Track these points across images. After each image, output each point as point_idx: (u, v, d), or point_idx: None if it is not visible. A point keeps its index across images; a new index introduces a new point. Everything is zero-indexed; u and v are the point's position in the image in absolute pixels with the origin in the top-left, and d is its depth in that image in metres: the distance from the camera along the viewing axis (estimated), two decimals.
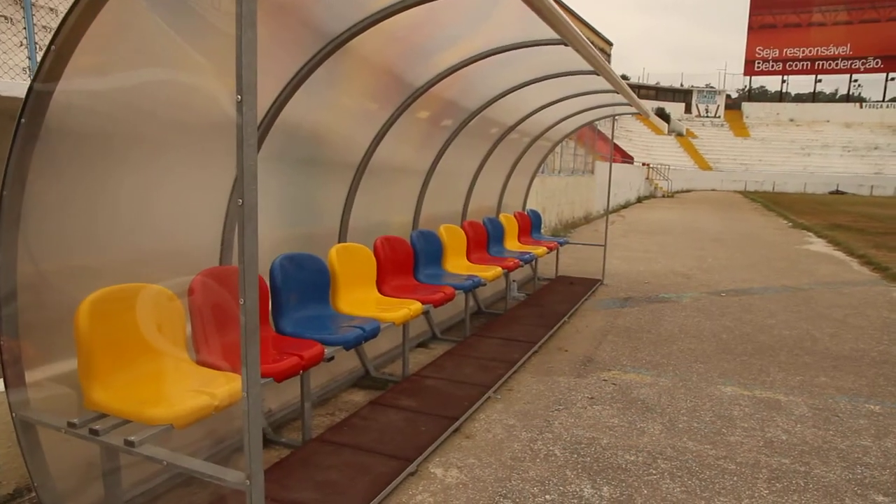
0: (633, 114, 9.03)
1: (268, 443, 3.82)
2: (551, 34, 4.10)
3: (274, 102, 3.71)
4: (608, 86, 6.06)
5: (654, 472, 3.59)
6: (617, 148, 41.11)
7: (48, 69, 2.28)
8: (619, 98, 7.22)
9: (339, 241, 4.95)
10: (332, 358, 3.58)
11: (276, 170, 4.24)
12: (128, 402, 2.63)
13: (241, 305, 2.04)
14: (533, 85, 6.12)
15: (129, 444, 2.41)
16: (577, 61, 4.90)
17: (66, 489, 2.81)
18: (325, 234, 4.89)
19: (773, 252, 13.57)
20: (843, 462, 3.77)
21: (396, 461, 3.48)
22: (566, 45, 4.16)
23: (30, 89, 2.32)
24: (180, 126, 3.25)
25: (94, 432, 2.49)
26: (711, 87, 69.90)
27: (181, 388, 2.80)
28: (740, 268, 11.21)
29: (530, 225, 9.36)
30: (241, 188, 1.96)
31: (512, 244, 8.31)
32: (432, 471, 3.52)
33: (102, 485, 2.63)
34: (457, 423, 4.06)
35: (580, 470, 3.58)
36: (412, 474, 3.44)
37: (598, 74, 5.29)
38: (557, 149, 19.02)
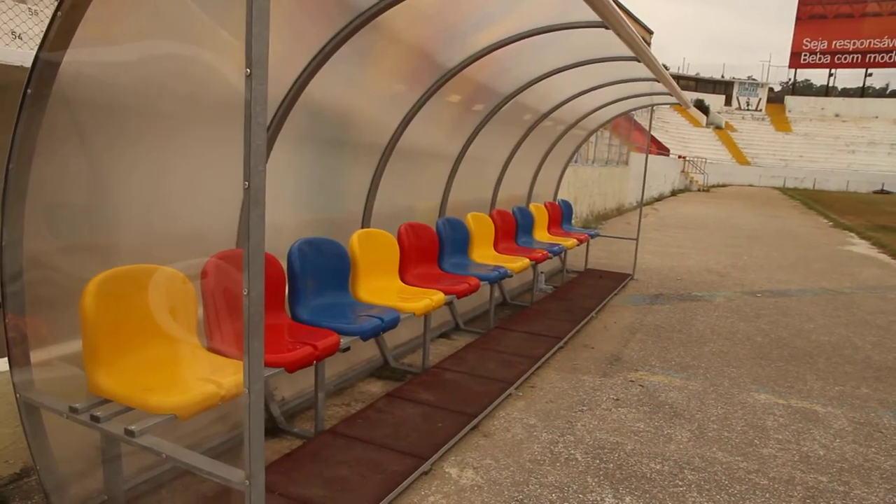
0: (671, 104, 8.69)
1: (279, 432, 3.73)
2: (591, 15, 3.86)
3: (297, 78, 3.55)
4: (648, 74, 5.78)
5: (680, 483, 3.40)
6: (653, 139, 40.31)
7: (55, 37, 2.16)
8: (658, 87, 6.92)
9: (362, 227, 4.81)
10: (347, 348, 3.45)
11: (299, 151, 4.12)
12: (132, 389, 2.53)
13: (245, 296, 1.90)
14: (569, 71, 5.88)
15: (130, 433, 2.31)
16: (616, 46, 4.64)
17: (70, 473, 2.74)
18: (349, 219, 4.75)
19: (812, 252, 13.09)
20: (886, 484, 3.53)
21: (410, 459, 3.35)
22: (606, 27, 3.92)
23: (36, 58, 2.20)
24: (198, 101, 3.12)
25: (94, 419, 2.40)
26: (754, 80, 67.96)
27: (188, 376, 2.70)
28: (777, 267, 10.82)
29: (561, 215, 9.12)
30: (247, 170, 1.82)
31: (541, 235, 8.10)
32: (447, 470, 3.38)
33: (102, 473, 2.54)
34: (475, 421, 3.91)
35: (602, 477, 3.40)
36: (426, 473, 3.31)
37: (638, 61, 5.03)
38: (591, 138, 18.64)
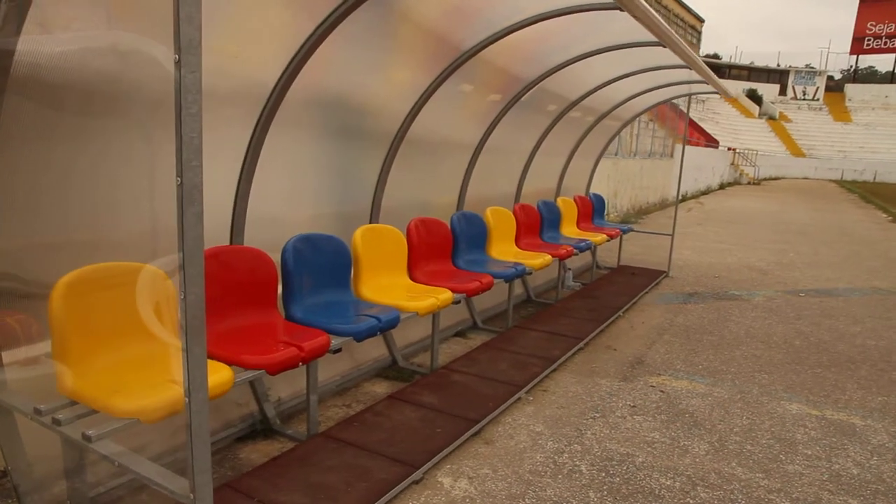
0: (710, 93, 8.26)
1: (273, 433, 3.63)
2: None
3: (291, 62, 3.38)
4: (678, 60, 5.45)
5: (691, 501, 3.14)
6: (701, 130, 39.02)
7: (2, 24, 2.07)
8: (695, 75, 6.55)
9: (370, 222, 4.67)
10: (338, 350, 3.31)
11: (300, 140, 3.97)
12: (98, 391, 2.44)
13: (182, 300, 1.78)
14: (595, 57, 5.59)
15: (87, 438, 2.22)
16: (641, 30, 4.35)
17: (44, 475, 2.67)
18: (360, 214, 4.61)
19: (866, 249, 12.36)
20: None
21: (401, 466, 3.19)
22: (620, 9, 3.66)
23: None
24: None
25: (56, 421, 2.32)
26: (812, 68, 64.99)
27: (159, 379, 2.59)
28: (826, 265, 10.23)
29: (592, 210, 8.80)
30: (179, 165, 1.68)
31: (569, 230, 7.82)
32: (440, 480, 3.21)
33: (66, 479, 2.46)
34: (476, 427, 3.72)
35: (605, 492, 3.17)
36: (416, 482, 3.15)
37: (663, 46, 4.72)
38: (635, 130, 18.10)
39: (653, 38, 4.51)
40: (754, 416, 4.21)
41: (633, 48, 5.23)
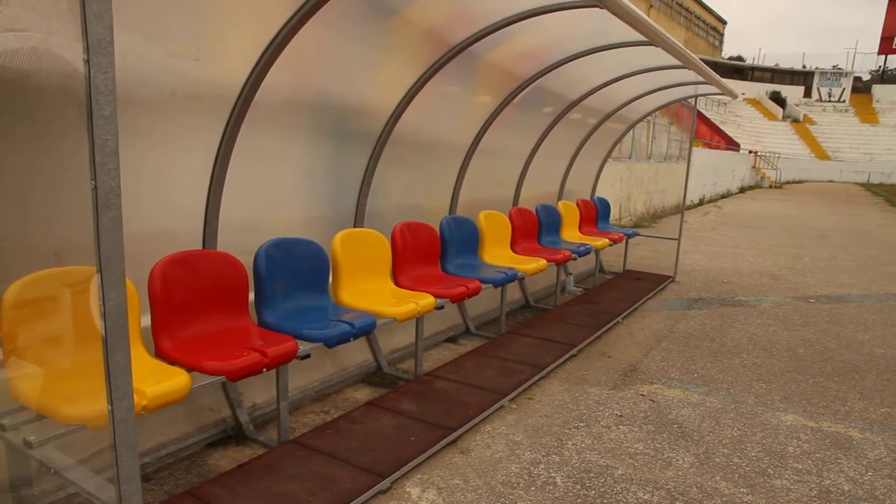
0: (715, 94, 8.09)
1: (245, 439, 3.58)
2: None
3: (261, 57, 3.30)
4: (674, 60, 5.32)
5: None
6: (721, 133, 38.49)
7: None
8: (695, 75, 6.40)
9: (354, 226, 4.62)
10: (307, 356, 3.25)
11: (277, 143, 3.91)
12: (49, 397, 2.42)
13: (101, 305, 1.74)
14: (591, 56, 5.47)
15: (28, 444, 2.19)
16: (630, 29, 4.24)
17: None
18: (346, 218, 4.57)
19: (885, 254, 12.01)
20: None
21: (368, 476, 3.12)
22: (599, 6, 3.57)
23: None
24: (159, 87, 2.99)
25: (0, 427, 2.30)
26: (839, 69, 63.72)
27: None
28: (841, 270, 9.95)
29: (596, 214, 8.67)
30: (93, 169, 1.64)
31: (571, 234, 7.70)
32: (408, 490, 3.13)
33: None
34: (453, 436, 3.64)
35: None
36: (383, 492, 3.07)
37: (654, 45, 4.60)
38: (651, 132, 17.88)
39: (641, 38, 4.40)
40: (746, 427, 4.07)
41: (626, 48, 5.12)
